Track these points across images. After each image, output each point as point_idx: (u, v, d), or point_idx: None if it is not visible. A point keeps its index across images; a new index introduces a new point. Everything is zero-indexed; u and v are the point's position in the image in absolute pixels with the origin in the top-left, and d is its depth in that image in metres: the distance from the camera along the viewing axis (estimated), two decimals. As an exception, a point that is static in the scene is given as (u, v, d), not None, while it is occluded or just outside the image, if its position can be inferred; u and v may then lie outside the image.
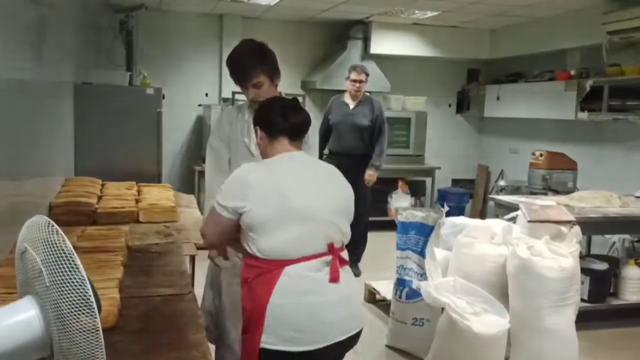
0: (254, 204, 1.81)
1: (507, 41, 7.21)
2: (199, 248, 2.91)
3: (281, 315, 1.75)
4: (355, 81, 5.04)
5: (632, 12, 5.02)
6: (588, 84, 5.69)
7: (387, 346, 3.79)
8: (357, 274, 4.85)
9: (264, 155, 2.06)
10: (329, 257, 1.84)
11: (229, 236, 1.95)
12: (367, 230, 5.29)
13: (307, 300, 1.77)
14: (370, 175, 5.06)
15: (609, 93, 5.44)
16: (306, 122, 2.05)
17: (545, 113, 6.42)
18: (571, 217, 3.68)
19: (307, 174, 1.99)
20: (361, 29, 7.22)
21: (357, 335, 1.91)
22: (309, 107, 7.56)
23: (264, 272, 1.80)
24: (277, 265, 1.79)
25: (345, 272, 1.91)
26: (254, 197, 1.81)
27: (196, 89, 7.18)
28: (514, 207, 4.11)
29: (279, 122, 1.99)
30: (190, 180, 6.90)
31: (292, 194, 1.85)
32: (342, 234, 1.94)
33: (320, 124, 4.99)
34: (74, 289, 1.06)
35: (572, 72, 6.01)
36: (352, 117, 5.11)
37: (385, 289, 4.27)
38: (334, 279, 1.82)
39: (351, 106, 5.15)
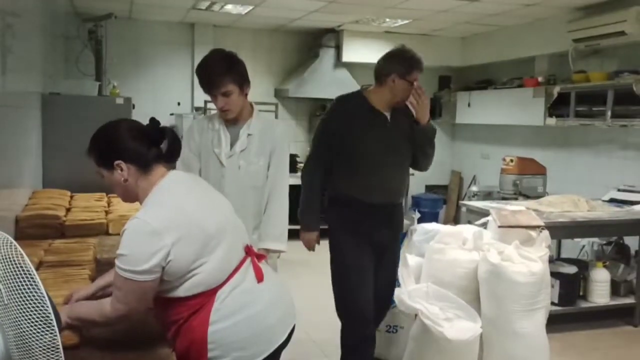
0: (177, 245, 1.58)
1: (477, 49, 7.32)
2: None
3: (223, 339, 1.65)
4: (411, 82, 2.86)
5: (596, 20, 5.15)
6: (555, 90, 5.82)
7: (362, 354, 3.79)
8: None
9: (135, 192, 1.73)
10: (248, 259, 1.78)
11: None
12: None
13: (245, 314, 1.69)
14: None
15: (575, 99, 5.56)
16: (179, 142, 1.81)
17: (515, 119, 6.53)
18: (540, 222, 3.74)
19: (196, 191, 1.81)
20: (333, 37, 7.27)
21: (293, 331, 1.86)
22: (282, 115, 7.58)
23: (197, 308, 1.65)
24: (210, 294, 1.65)
25: (265, 266, 1.86)
26: (172, 239, 1.57)
27: (168, 98, 7.13)
28: (484, 213, 4.17)
29: (153, 148, 1.72)
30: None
31: (203, 215, 1.69)
32: (245, 231, 1.88)
33: (313, 145, 3.06)
34: (33, 307, 1.05)
35: (540, 79, 6.14)
36: (396, 137, 2.94)
37: (360, 296, 4.27)
38: (260, 278, 1.75)
39: (388, 116, 2.93)
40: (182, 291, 1.64)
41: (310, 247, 3.08)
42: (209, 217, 1.71)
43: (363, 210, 2.89)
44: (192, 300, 1.65)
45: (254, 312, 1.71)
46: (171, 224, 1.60)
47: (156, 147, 1.74)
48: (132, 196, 1.76)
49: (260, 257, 1.87)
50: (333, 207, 3.00)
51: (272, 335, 1.76)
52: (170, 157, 1.78)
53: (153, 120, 1.78)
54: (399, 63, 2.86)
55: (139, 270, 1.55)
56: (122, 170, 1.69)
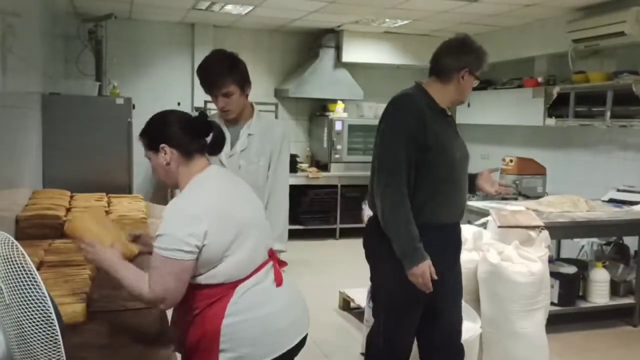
0: (212, 234, 1.67)
1: (477, 49, 7.31)
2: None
3: (235, 333, 1.71)
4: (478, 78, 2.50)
5: (595, 20, 5.15)
6: (555, 90, 5.82)
7: (362, 354, 3.79)
8: None
9: (175, 177, 1.83)
10: (271, 263, 1.85)
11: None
12: None
13: (259, 313, 1.75)
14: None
15: (575, 99, 5.57)
16: (224, 137, 1.95)
17: (515, 119, 6.54)
18: (540, 222, 3.74)
19: (233, 185, 1.91)
20: (333, 37, 7.27)
21: (305, 338, 1.90)
22: (282, 115, 7.58)
23: (216, 298, 1.72)
24: (231, 287, 1.73)
25: (285, 274, 1.92)
26: (209, 227, 1.66)
27: (168, 98, 7.11)
28: (484, 213, 4.17)
29: (197, 139, 1.83)
30: (163, 190, 6.84)
31: (237, 209, 1.79)
32: (271, 235, 1.98)
33: (390, 157, 2.37)
34: (34, 307, 1.05)
35: (540, 80, 6.14)
36: (463, 142, 2.57)
37: (360, 296, 4.28)
38: (280, 282, 1.83)
39: (450, 119, 2.57)
40: (204, 279, 1.71)
41: (427, 280, 2.32)
42: (241, 213, 1.79)
43: (440, 235, 2.45)
44: (212, 289, 1.71)
45: (268, 312, 1.76)
46: (207, 212, 1.68)
47: (201, 138, 1.83)
48: (172, 180, 1.85)
49: (281, 264, 1.92)
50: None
51: (283, 338, 1.80)
52: (213, 150, 1.88)
53: (202, 113, 1.92)
54: (472, 57, 2.44)
55: (177, 249, 1.63)
56: (165, 153, 1.80)
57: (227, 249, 1.70)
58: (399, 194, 2.31)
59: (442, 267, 2.39)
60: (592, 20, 5.22)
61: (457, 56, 2.43)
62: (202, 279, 1.71)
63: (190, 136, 1.81)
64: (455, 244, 2.61)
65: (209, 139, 1.85)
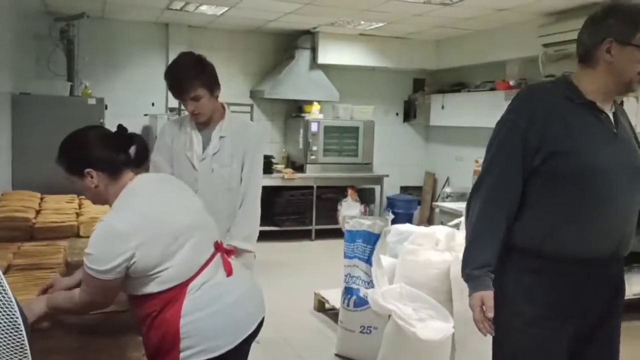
0: (142, 248, 1.64)
1: (451, 52, 7.41)
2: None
3: (196, 330, 1.71)
4: None
5: (565, 25, 5.25)
6: (527, 93, 5.91)
7: (337, 355, 3.81)
8: None
9: (105, 196, 1.80)
10: (218, 255, 1.85)
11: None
12: None
13: (216, 306, 1.76)
14: None
15: (546, 102, 5.67)
16: (147, 148, 1.89)
17: (488, 121, 6.56)
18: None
19: (166, 190, 1.89)
20: (309, 39, 7.30)
21: (261, 323, 1.93)
22: (258, 116, 7.57)
23: (169, 300, 1.71)
24: (181, 287, 1.71)
25: (234, 262, 1.94)
26: (137, 242, 1.63)
27: (142, 99, 7.05)
28: (457, 214, 4.23)
29: (121, 155, 1.80)
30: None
31: (169, 215, 1.75)
32: (215, 227, 1.95)
33: (492, 163, 1.87)
34: (0, 311, 1.04)
35: (511, 83, 6.24)
36: (627, 150, 1.86)
37: (334, 297, 4.29)
38: (229, 271, 1.83)
39: (611, 116, 1.87)
40: (153, 287, 1.70)
41: (481, 318, 1.88)
42: (176, 216, 1.77)
43: (573, 272, 1.81)
44: (164, 294, 1.70)
45: (225, 304, 1.78)
46: (137, 227, 1.66)
47: (125, 152, 1.81)
48: (101, 200, 1.84)
49: (229, 252, 1.93)
50: (515, 271, 1.86)
51: (243, 326, 1.83)
52: (138, 162, 1.84)
53: (121, 126, 1.84)
54: (611, 21, 1.77)
55: (102, 269, 1.63)
56: (92, 177, 1.76)
57: (163, 257, 1.67)
58: (498, 214, 1.80)
59: (571, 314, 1.83)
60: (562, 25, 5.32)
61: (592, 27, 1.81)
62: (153, 288, 1.69)
63: (114, 153, 1.78)
64: (602, 287, 1.87)
65: (131, 150, 1.82)
